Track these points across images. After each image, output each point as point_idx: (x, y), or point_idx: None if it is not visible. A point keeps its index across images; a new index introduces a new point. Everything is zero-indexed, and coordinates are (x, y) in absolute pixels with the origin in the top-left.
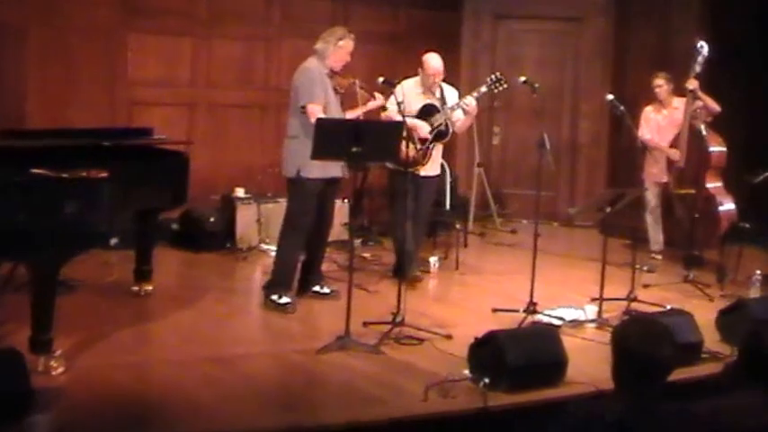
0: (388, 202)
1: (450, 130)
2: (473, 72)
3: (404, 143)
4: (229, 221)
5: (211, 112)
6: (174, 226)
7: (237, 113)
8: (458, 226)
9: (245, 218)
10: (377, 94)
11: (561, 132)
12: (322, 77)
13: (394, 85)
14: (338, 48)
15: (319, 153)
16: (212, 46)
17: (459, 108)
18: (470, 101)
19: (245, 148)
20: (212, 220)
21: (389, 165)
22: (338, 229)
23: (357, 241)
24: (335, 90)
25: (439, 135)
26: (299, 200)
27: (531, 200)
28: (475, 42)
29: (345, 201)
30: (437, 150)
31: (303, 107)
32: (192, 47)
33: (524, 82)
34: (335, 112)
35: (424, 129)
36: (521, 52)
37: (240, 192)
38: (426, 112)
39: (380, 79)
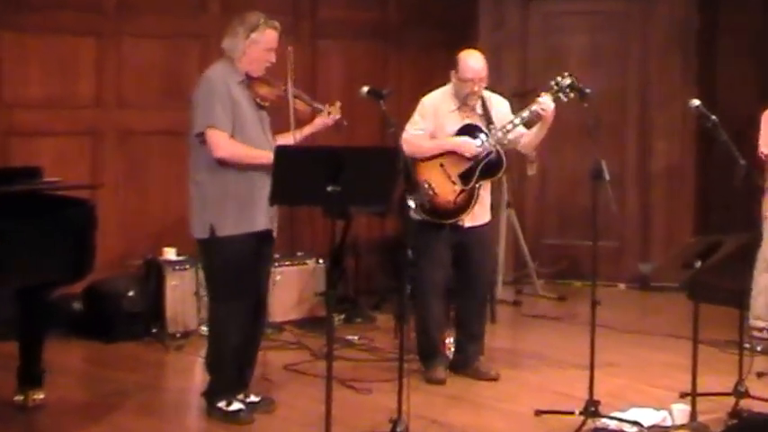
0: (397, 262)
1: (504, 161)
2: (495, 74)
3: (441, 182)
4: (155, 296)
5: (125, 141)
6: (77, 306)
7: (162, 143)
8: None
9: (179, 290)
10: (325, 106)
11: (626, 157)
12: (229, 89)
13: (383, 97)
14: (251, 43)
15: (280, 196)
16: (124, 48)
17: (521, 122)
18: (547, 102)
19: (174, 192)
20: (131, 295)
21: (416, 215)
22: (311, 301)
23: (338, 318)
24: (258, 104)
25: (487, 169)
26: (221, 267)
27: (585, 253)
28: (497, 32)
29: (320, 262)
30: (485, 189)
31: (201, 135)
32: (96, 50)
33: (569, 87)
34: (257, 137)
35: (472, 145)
36: (563, 44)
37: (170, 253)
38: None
39: (364, 89)
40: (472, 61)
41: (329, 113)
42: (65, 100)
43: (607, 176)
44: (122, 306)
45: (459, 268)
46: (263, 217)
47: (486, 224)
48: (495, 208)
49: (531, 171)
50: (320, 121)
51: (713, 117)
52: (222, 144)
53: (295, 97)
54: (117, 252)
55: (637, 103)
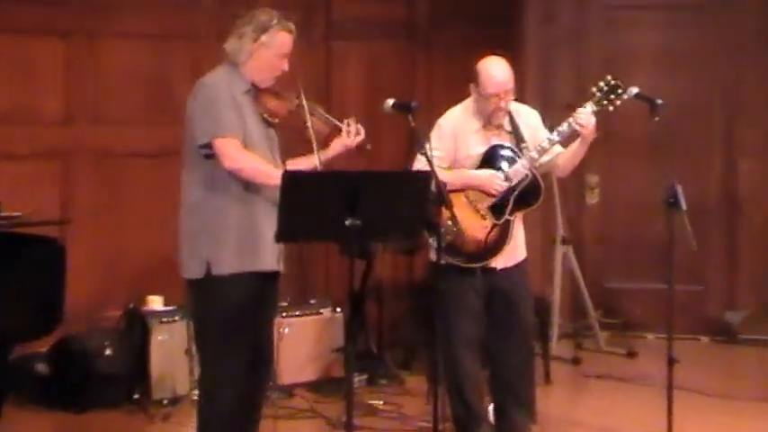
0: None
1: (542, 186)
2: (545, 80)
3: (468, 217)
4: (138, 355)
5: (101, 165)
6: (41, 367)
7: (146, 167)
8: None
9: (166, 347)
10: (345, 124)
11: (708, 181)
12: (234, 97)
13: (411, 111)
14: (261, 47)
15: (288, 232)
16: (100, 51)
17: (560, 139)
18: (585, 116)
19: (160, 227)
20: (108, 353)
21: (444, 259)
22: (326, 359)
23: (359, 379)
24: (265, 120)
25: (523, 197)
26: (217, 315)
27: (658, 300)
28: (547, 32)
29: (337, 310)
30: (519, 221)
31: (206, 146)
32: (66, 55)
33: (638, 96)
34: (264, 158)
35: (498, 181)
36: (629, 43)
37: (156, 302)
38: (492, 162)
39: (389, 103)
40: (495, 72)
41: (350, 133)
42: (26, 115)
43: (684, 205)
44: (98, 367)
45: (494, 318)
46: (269, 255)
47: (523, 261)
48: (548, 244)
49: (592, 199)
50: (340, 144)
51: None
52: (235, 154)
53: (312, 116)
54: (91, 301)
55: (721, 115)
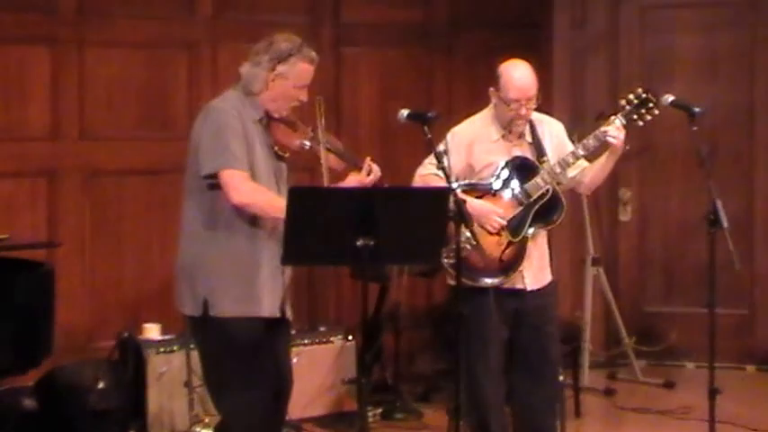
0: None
1: (563, 203)
2: (575, 92)
3: (482, 231)
4: (133, 388)
5: (91, 184)
6: (28, 403)
7: (139, 185)
8: (560, 378)
9: (164, 380)
10: (367, 162)
11: (754, 195)
12: (245, 125)
13: (428, 122)
14: (277, 77)
15: (295, 253)
16: (89, 61)
17: (586, 153)
18: (614, 131)
19: (155, 249)
20: (100, 387)
21: (451, 279)
22: (338, 391)
23: (374, 413)
24: (275, 152)
25: (543, 214)
26: (222, 351)
27: (699, 324)
28: (578, 36)
29: (349, 339)
30: (542, 239)
31: (211, 177)
32: (52, 65)
33: (674, 104)
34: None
35: (491, 217)
36: (668, 47)
37: (152, 330)
38: (510, 175)
39: (404, 113)
40: (517, 76)
41: (368, 171)
42: (10, 130)
43: (725, 223)
44: (89, 402)
45: (516, 345)
46: (273, 302)
47: (550, 284)
48: (577, 265)
49: (625, 216)
50: (355, 180)
51: None
52: (242, 187)
53: (328, 150)
54: (82, 330)
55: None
